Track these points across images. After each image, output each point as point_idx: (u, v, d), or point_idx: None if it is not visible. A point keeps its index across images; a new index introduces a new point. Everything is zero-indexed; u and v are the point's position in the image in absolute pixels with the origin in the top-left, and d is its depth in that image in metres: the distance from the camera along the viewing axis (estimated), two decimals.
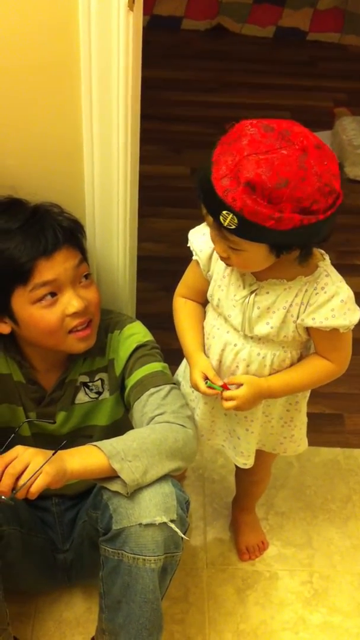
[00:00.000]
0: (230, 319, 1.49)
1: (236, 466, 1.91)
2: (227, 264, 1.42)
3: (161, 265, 2.49)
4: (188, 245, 1.53)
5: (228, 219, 1.25)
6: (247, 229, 1.25)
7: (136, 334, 1.61)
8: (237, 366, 1.52)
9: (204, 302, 1.60)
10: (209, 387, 1.50)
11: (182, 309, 1.60)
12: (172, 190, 3.04)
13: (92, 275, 1.55)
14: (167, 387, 1.54)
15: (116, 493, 1.39)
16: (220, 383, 1.50)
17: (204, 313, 1.60)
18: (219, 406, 1.56)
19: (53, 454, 1.32)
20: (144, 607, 1.44)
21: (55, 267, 1.44)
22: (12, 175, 1.56)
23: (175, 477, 1.47)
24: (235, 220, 1.24)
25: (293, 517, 2.10)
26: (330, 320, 1.41)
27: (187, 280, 1.59)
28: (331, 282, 1.41)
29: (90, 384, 1.62)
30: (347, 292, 1.42)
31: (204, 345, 1.57)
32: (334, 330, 1.43)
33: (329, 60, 4.28)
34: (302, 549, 2.03)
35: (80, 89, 1.46)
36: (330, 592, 1.93)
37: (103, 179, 1.58)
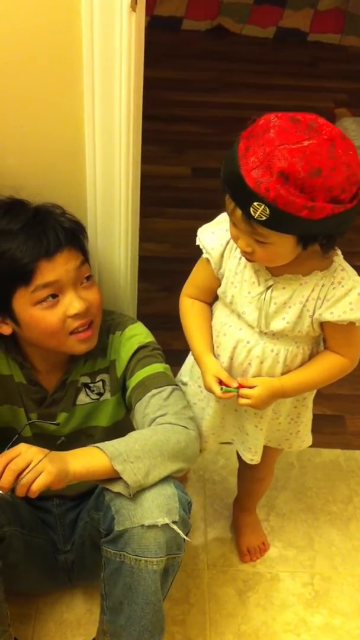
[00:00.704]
0: (245, 316, 1.48)
1: (239, 464, 1.92)
2: (249, 260, 1.41)
3: (163, 266, 2.50)
4: (197, 244, 1.53)
5: (259, 210, 1.25)
6: (279, 220, 1.25)
7: (138, 335, 1.60)
8: (249, 363, 1.52)
9: (211, 302, 1.60)
10: (225, 391, 1.50)
11: (190, 310, 1.60)
12: (173, 190, 3.04)
13: (94, 277, 1.55)
14: (169, 389, 1.53)
15: (118, 494, 1.39)
16: (235, 385, 1.50)
17: (212, 313, 1.60)
18: (230, 403, 1.57)
19: (50, 451, 1.31)
20: (146, 609, 1.44)
21: (57, 268, 1.44)
22: (14, 175, 1.56)
23: (177, 479, 1.47)
24: (267, 211, 1.24)
25: (294, 519, 2.10)
26: (349, 314, 1.42)
27: (196, 279, 1.59)
28: (347, 276, 1.42)
29: (91, 385, 1.61)
30: None
31: (212, 347, 1.57)
32: (350, 324, 1.43)
33: (330, 61, 4.29)
34: (303, 550, 2.03)
35: (82, 90, 1.46)
36: (331, 594, 1.93)
37: (105, 179, 1.58)
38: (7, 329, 1.52)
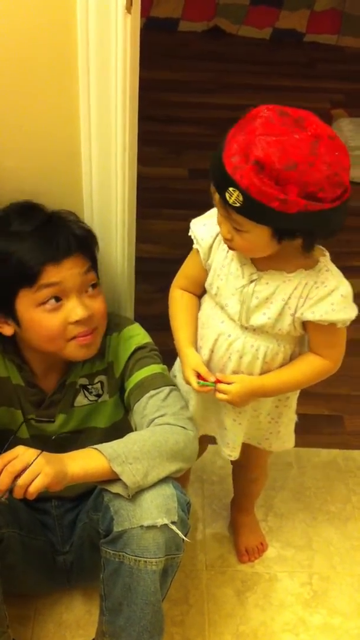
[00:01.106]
0: (227, 308, 1.49)
1: (233, 466, 1.92)
2: (230, 247, 1.42)
3: (160, 267, 2.48)
4: (189, 234, 1.54)
5: (234, 196, 1.26)
6: (252, 209, 1.26)
7: (135, 336, 1.61)
8: (229, 357, 1.53)
9: (200, 294, 1.60)
10: (202, 385, 1.50)
11: (179, 301, 1.61)
12: (171, 191, 3.04)
13: (100, 286, 1.55)
14: (166, 389, 1.54)
15: (117, 495, 1.39)
16: (213, 379, 1.50)
17: (200, 305, 1.60)
18: (211, 395, 1.57)
19: (41, 452, 1.32)
20: (145, 610, 1.44)
21: (62, 271, 1.44)
22: (9, 177, 1.56)
23: (179, 482, 1.48)
24: (241, 198, 1.26)
25: (292, 519, 2.10)
26: (330, 314, 1.42)
27: (186, 270, 1.60)
28: (332, 277, 1.43)
29: (89, 386, 1.62)
30: (347, 287, 1.43)
31: (196, 340, 1.57)
32: (332, 325, 1.44)
33: (326, 62, 4.29)
34: (302, 550, 2.03)
35: (78, 91, 1.46)
36: (330, 594, 1.93)
37: (101, 180, 1.58)
38: (8, 330, 1.51)
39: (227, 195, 1.27)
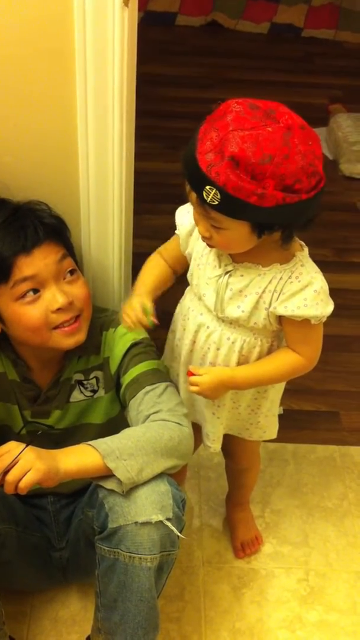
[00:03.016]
0: (205, 299, 1.49)
1: (225, 458, 1.92)
2: (209, 245, 1.42)
3: None
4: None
5: (211, 194, 1.25)
6: (230, 205, 1.25)
7: (131, 331, 1.60)
8: (208, 348, 1.53)
9: (175, 269, 1.60)
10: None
11: (153, 261, 1.61)
12: (167, 187, 3.01)
13: (83, 271, 1.54)
14: (162, 385, 1.53)
15: (112, 491, 1.38)
16: (151, 322, 1.48)
17: (171, 279, 1.60)
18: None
19: (26, 446, 1.32)
20: (140, 606, 1.43)
21: (35, 262, 1.43)
22: (6, 172, 1.55)
23: (175, 478, 1.47)
24: (219, 196, 1.25)
25: (289, 515, 2.10)
26: (302, 310, 1.41)
27: (168, 244, 1.61)
28: (306, 272, 1.42)
29: (85, 382, 1.61)
30: (320, 283, 1.42)
31: (153, 293, 1.55)
32: (305, 321, 1.43)
33: (324, 57, 4.29)
34: (298, 546, 2.03)
35: (75, 86, 1.46)
36: (326, 590, 1.93)
37: (98, 175, 1.57)
38: None
39: (204, 194, 1.26)
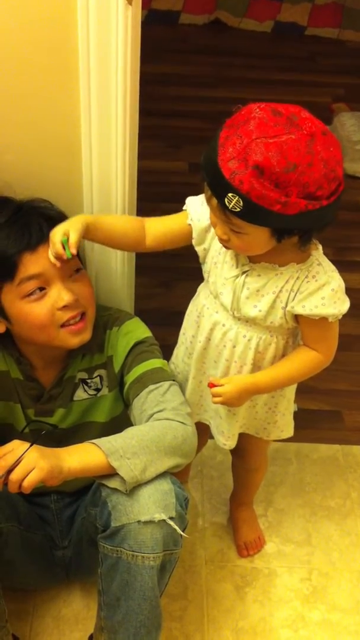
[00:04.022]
0: (221, 297, 1.49)
1: (232, 457, 1.92)
2: (226, 247, 1.42)
3: (159, 261, 2.48)
4: (184, 208, 1.52)
5: (233, 201, 1.25)
6: (253, 213, 1.25)
7: (135, 330, 1.60)
8: (224, 346, 1.53)
9: (143, 242, 1.55)
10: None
11: (128, 217, 1.58)
12: (170, 185, 3.03)
13: (84, 270, 1.54)
14: (166, 384, 1.53)
15: (115, 490, 1.38)
16: (68, 253, 1.39)
17: (127, 242, 1.55)
18: (206, 382, 1.58)
19: (30, 445, 1.32)
20: (143, 605, 1.43)
21: (41, 260, 1.43)
22: (9, 171, 1.55)
23: (179, 477, 1.47)
24: (241, 203, 1.25)
25: (292, 514, 2.10)
26: (320, 309, 1.42)
27: (160, 220, 1.55)
28: (323, 271, 1.42)
29: (88, 380, 1.61)
30: (338, 281, 1.43)
31: (94, 233, 1.47)
32: (323, 319, 1.43)
33: (328, 56, 4.28)
34: (301, 546, 2.03)
35: (78, 85, 1.45)
36: (329, 589, 1.93)
37: (101, 174, 1.57)
38: (0, 327, 1.51)
39: (226, 200, 1.26)
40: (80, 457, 1.36)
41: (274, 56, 4.21)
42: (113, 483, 1.38)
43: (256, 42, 4.36)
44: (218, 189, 1.27)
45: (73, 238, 1.39)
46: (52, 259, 1.41)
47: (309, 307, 1.42)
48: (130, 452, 1.37)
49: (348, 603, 1.91)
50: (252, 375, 1.52)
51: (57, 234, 1.40)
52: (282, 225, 1.28)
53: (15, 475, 1.28)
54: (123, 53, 1.41)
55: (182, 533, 1.41)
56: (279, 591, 1.92)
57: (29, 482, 1.28)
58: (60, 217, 1.51)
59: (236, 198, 1.24)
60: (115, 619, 1.48)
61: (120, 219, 1.58)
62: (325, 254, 1.45)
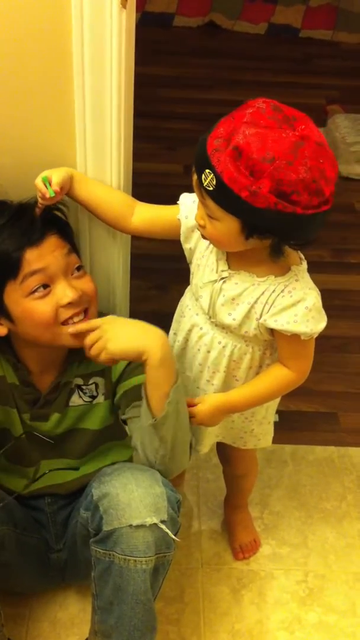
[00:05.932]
0: (201, 300, 1.49)
1: (222, 464, 1.92)
2: (202, 235, 1.41)
3: (155, 264, 2.49)
4: (177, 202, 1.54)
5: (208, 178, 1.26)
6: (222, 195, 1.25)
7: None
8: (198, 349, 1.54)
9: (129, 222, 1.57)
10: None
11: (123, 193, 1.59)
12: (165, 187, 3.01)
13: (85, 268, 1.54)
14: None
15: (106, 494, 1.38)
16: (51, 191, 1.45)
17: (112, 215, 1.56)
18: (191, 388, 1.59)
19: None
20: (136, 608, 1.43)
21: (44, 255, 1.43)
22: (3, 174, 1.55)
23: (175, 481, 1.48)
24: (214, 182, 1.25)
25: (288, 517, 2.10)
26: (292, 325, 1.40)
27: (155, 208, 1.58)
28: (299, 287, 1.40)
29: (84, 387, 1.60)
30: (313, 300, 1.41)
31: (77, 188, 1.52)
32: (295, 336, 1.42)
33: (322, 57, 4.29)
34: (297, 548, 2.02)
35: (73, 87, 1.45)
36: (325, 592, 1.93)
37: (96, 176, 1.57)
38: (2, 330, 1.51)
39: (203, 177, 1.27)
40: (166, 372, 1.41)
41: (268, 58, 4.22)
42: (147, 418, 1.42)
43: (250, 44, 4.37)
44: (199, 162, 1.28)
45: (55, 179, 1.44)
46: (38, 199, 1.45)
47: (281, 322, 1.41)
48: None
49: (344, 605, 1.91)
50: (225, 394, 1.52)
51: (38, 182, 1.44)
52: (249, 218, 1.27)
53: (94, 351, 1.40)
54: (117, 55, 1.41)
55: (173, 537, 1.41)
56: (275, 593, 1.92)
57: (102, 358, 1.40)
58: (61, 216, 1.52)
59: (211, 175, 1.25)
60: (109, 622, 1.48)
61: (110, 188, 1.57)
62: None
